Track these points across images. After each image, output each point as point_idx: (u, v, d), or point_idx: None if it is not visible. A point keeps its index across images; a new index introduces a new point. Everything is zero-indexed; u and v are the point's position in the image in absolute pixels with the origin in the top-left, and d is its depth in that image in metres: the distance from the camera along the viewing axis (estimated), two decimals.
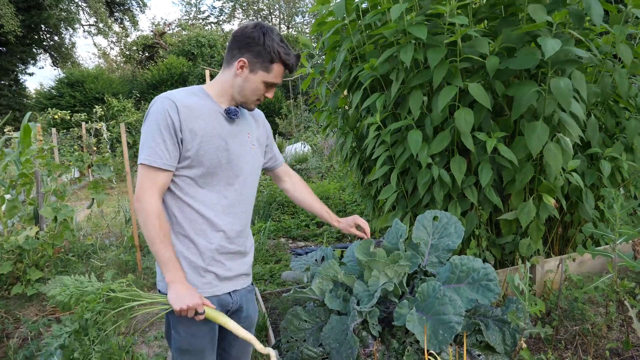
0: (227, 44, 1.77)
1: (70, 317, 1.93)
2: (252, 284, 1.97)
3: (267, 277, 4.64)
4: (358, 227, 2.23)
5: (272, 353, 1.69)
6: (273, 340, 3.08)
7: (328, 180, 8.42)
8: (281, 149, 10.88)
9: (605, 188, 3.27)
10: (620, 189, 3.47)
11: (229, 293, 1.79)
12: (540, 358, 2.43)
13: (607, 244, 3.45)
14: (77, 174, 10.98)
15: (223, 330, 1.88)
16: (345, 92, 3.65)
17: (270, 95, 1.78)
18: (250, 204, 1.89)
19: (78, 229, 6.44)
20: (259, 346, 1.67)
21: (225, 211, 1.75)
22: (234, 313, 1.85)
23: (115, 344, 2.82)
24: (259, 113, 1.99)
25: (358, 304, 2.21)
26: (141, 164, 1.61)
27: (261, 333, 3.51)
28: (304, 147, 11.41)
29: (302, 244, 5.80)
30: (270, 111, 20.55)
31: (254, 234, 5.70)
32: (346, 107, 3.71)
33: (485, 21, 3.17)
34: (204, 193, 1.70)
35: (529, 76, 2.90)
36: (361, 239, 2.30)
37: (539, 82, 2.70)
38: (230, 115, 1.73)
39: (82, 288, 1.81)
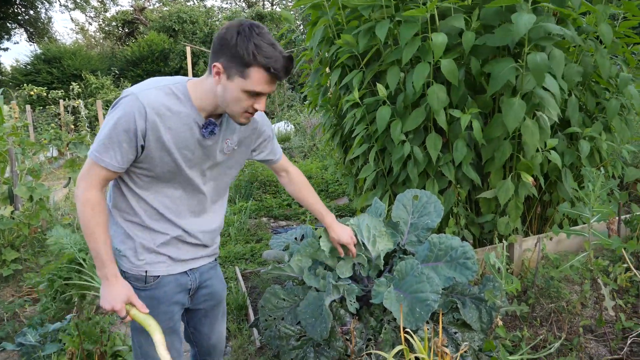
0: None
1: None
2: (215, 260, 1.86)
3: (248, 256, 4.62)
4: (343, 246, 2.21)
5: None
6: (252, 319, 3.08)
7: (311, 159, 8.38)
8: None
9: (584, 167, 3.30)
10: (601, 168, 3.51)
11: (186, 272, 1.71)
12: (516, 335, 2.46)
13: (584, 223, 3.49)
14: (55, 153, 10.76)
15: (192, 310, 1.84)
16: (328, 69, 3.60)
17: (259, 106, 1.51)
18: (219, 197, 1.79)
19: (56, 209, 6.31)
20: None
21: (189, 213, 1.67)
22: (196, 291, 1.78)
23: (91, 323, 2.80)
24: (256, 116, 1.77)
25: (336, 280, 2.20)
26: (90, 157, 1.50)
27: (241, 312, 3.50)
28: (287, 126, 11.31)
29: (283, 223, 5.78)
30: None
31: (235, 214, 5.66)
32: (328, 85, 3.66)
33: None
34: (161, 192, 1.61)
35: (509, 54, 2.88)
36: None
37: (517, 60, 2.69)
38: (205, 133, 1.56)
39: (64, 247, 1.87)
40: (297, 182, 2.01)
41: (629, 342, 2.33)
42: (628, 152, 3.42)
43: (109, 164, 1.47)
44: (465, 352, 2.06)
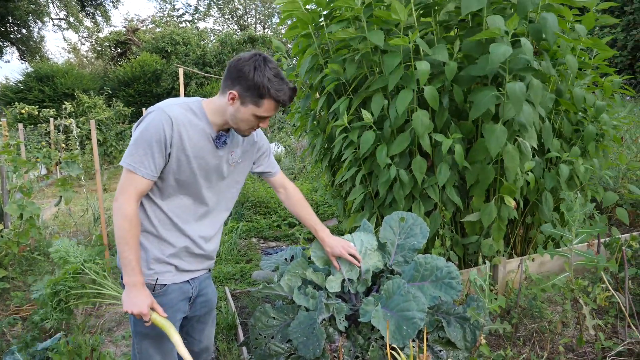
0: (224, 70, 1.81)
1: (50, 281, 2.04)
2: (209, 270, 2.08)
3: (237, 276, 4.65)
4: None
5: None
6: (242, 338, 3.11)
7: (301, 181, 8.46)
8: None
9: (563, 192, 3.42)
10: (578, 192, 3.64)
11: (188, 281, 1.91)
12: (500, 354, 2.53)
13: (566, 246, 3.60)
14: (44, 171, 10.74)
15: (187, 318, 2.02)
16: (318, 95, 3.72)
17: (264, 125, 1.82)
18: (223, 213, 2.00)
19: (45, 227, 6.30)
20: None
21: (194, 220, 1.87)
22: (195, 299, 1.98)
23: (82, 341, 2.82)
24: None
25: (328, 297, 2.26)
26: (127, 168, 1.68)
27: (230, 332, 3.53)
28: (278, 147, 11.42)
29: (273, 244, 5.82)
30: None
31: (225, 234, 5.70)
32: (317, 110, 3.77)
33: (455, 29, 3.28)
34: (174, 200, 1.80)
35: (492, 83, 3.02)
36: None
37: (499, 89, 2.82)
38: (218, 144, 1.80)
39: (67, 257, 1.95)
40: (293, 197, 2.21)
41: None
42: (609, 177, 3.55)
43: (145, 173, 1.67)
44: None
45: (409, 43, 2.75)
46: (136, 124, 1.76)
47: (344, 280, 2.42)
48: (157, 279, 1.81)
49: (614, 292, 2.49)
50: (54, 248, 2.02)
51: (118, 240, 1.68)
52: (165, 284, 1.83)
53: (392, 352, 1.80)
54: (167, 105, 1.72)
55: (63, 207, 7.48)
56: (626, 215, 3.59)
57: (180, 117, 1.70)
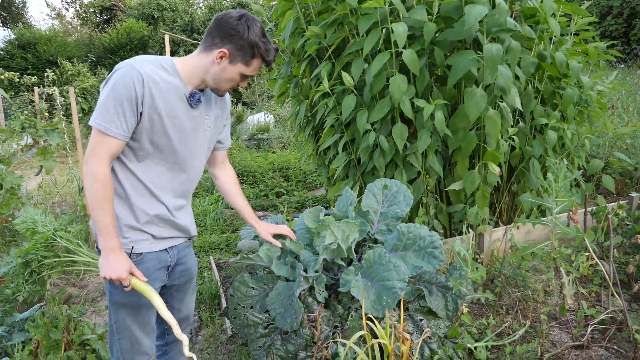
0: (207, 26, 1.74)
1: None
2: (189, 239, 2.00)
3: (223, 246, 4.61)
4: (279, 237, 2.34)
5: (185, 341, 1.67)
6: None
7: (289, 150, 8.36)
8: (242, 119, 10.68)
9: (548, 158, 3.36)
10: (564, 159, 3.59)
11: (166, 249, 1.84)
12: (482, 322, 2.51)
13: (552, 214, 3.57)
14: (30, 141, 10.51)
15: (166, 287, 1.96)
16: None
17: (244, 84, 1.80)
18: (195, 183, 1.94)
19: (28, 198, 6.19)
20: (177, 331, 1.67)
21: (169, 187, 1.79)
22: (173, 268, 1.91)
23: (58, 312, 2.77)
24: (226, 96, 2.00)
25: (305, 271, 2.21)
26: (97, 128, 1.58)
27: (214, 301, 3.50)
28: (267, 117, 11.25)
29: (260, 213, 5.77)
30: None
31: (211, 204, 5.63)
32: (299, 76, 3.65)
33: None
34: (149, 166, 1.72)
35: (472, 48, 2.92)
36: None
37: (479, 52, 2.73)
38: (192, 102, 1.73)
39: (35, 227, 1.87)
40: (231, 177, 2.16)
41: (590, 329, 2.39)
42: (590, 142, 3.49)
43: (117, 133, 1.57)
44: (429, 338, 2.09)
45: (385, 4, 2.63)
46: (104, 81, 1.66)
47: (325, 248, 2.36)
48: (132, 247, 1.74)
49: (598, 260, 2.46)
50: (19, 219, 1.92)
51: (92, 205, 1.60)
52: (142, 253, 1.76)
53: (368, 321, 1.76)
54: (137, 61, 1.62)
55: (47, 177, 7.35)
56: (612, 183, 3.55)
57: (151, 74, 1.61)
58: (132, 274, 1.66)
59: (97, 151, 1.59)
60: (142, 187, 1.72)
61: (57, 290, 3.64)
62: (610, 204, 3.70)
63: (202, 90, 1.80)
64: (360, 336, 2.04)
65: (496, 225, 3.51)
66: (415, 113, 2.91)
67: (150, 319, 1.87)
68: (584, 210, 2.90)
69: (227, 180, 2.14)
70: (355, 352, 2.05)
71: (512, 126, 3.10)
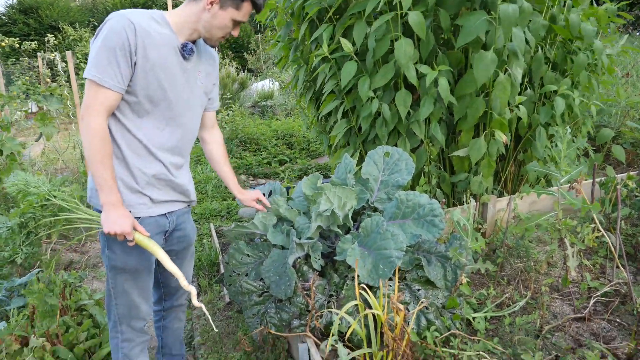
0: None
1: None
2: (188, 205, 1.96)
3: (224, 213, 4.58)
4: (259, 201, 2.27)
5: (193, 291, 1.68)
6: None
7: (293, 117, 8.24)
8: (245, 85, 10.52)
9: (555, 126, 3.25)
10: (568, 127, 3.46)
11: (165, 214, 1.80)
12: (482, 293, 2.46)
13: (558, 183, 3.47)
14: (35, 108, 10.44)
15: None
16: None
17: (236, 33, 1.77)
18: (192, 141, 1.89)
19: (31, 164, 6.16)
20: (183, 282, 1.67)
21: (166, 144, 1.75)
22: (171, 233, 1.87)
23: (55, 277, 2.75)
24: (214, 52, 1.94)
25: (299, 238, 2.15)
26: (91, 80, 1.53)
27: (213, 268, 3.48)
28: (272, 83, 11.07)
29: (262, 181, 5.71)
30: (239, 46, 19.76)
31: (212, 171, 5.58)
32: (299, 38, 3.52)
33: None
34: (145, 122, 1.67)
35: (481, 8, 2.77)
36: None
37: (490, 13, 2.58)
38: (185, 53, 1.69)
39: (27, 189, 1.83)
40: (219, 143, 2.09)
41: (592, 301, 2.34)
42: (597, 108, 3.35)
43: (112, 84, 1.53)
44: (426, 308, 2.04)
45: None
46: (95, 34, 1.60)
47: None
48: (130, 211, 1.69)
49: (604, 232, 2.38)
50: (9, 183, 1.86)
51: (91, 160, 1.56)
52: (140, 217, 1.72)
53: (362, 291, 1.71)
54: (128, 11, 1.59)
55: (49, 144, 7.31)
56: (623, 153, 3.43)
57: (143, 24, 1.57)
58: (135, 229, 1.63)
59: (93, 105, 1.55)
60: (139, 144, 1.67)
61: (58, 256, 3.64)
62: (619, 175, 3.59)
63: (193, 43, 1.75)
64: (356, 305, 2.00)
65: (500, 195, 3.43)
66: (419, 79, 2.78)
67: (148, 284, 1.85)
68: (592, 180, 2.81)
69: (216, 147, 2.07)
70: (349, 322, 2.01)
71: (519, 93, 2.98)
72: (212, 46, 1.80)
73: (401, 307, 1.50)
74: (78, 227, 1.90)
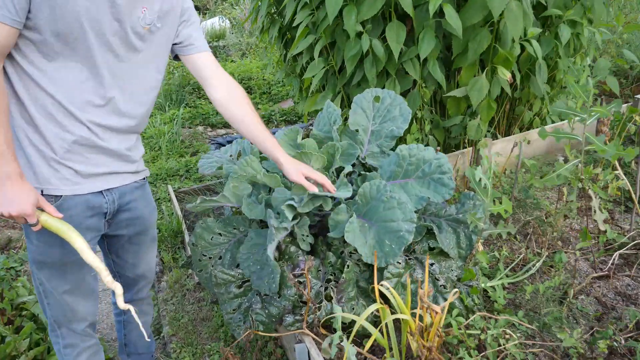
0: None
1: None
2: (143, 179, 1.55)
3: (182, 172, 4.07)
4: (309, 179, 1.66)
5: (118, 290, 1.26)
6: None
7: (250, 58, 7.58)
8: None
9: (559, 59, 2.90)
10: (574, 59, 3.12)
11: (101, 192, 1.39)
12: (494, 255, 2.16)
13: (562, 120, 3.16)
14: None
15: (111, 236, 1.54)
16: None
17: None
18: (144, 97, 1.42)
19: None
20: (106, 278, 1.24)
21: (94, 102, 1.30)
22: (114, 215, 1.47)
23: None
24: None
25: (278, 215, 1.73)
26: None
27: (176, 239, 3.04)
28: (222, 21, 10.16)
29: (222, 131, 5.19)
30: None
31: (165, 123, 4.99)
32: None
33: None
34: (61, 71, 1.25)
35: None
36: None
37: None
38: None
39: None
40: (239, 94, 1.64)
41: (615, 255, 2.08)
42: (601, 35, 3.01)
43: (3, 16, 1.12)
44: (443, 287, 1.71)
45: None
46: None
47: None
48: (48, 188, 1.29)
49: (624, 178, 2.09)
50: None
51: None
52: (60, 195, 1.31)
53: (381, 288, 1.33)
54: None
55: None
56: (617, 85, 3.13)
57: None
58: (41, 209, 1.23)
59: None
60: (52, 102, 1.26)
61: None
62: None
63: None
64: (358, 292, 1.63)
65: (494, 137, 3.10)
66: (415, 8, 2.31)
67: (82, 279, 1.45)
68: (603, 121, 2.50)
69: (229, 103, 1.60)
70: (352, 310, 1.65)
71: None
72: None
73: (437, 308, 1.15)
74: None
